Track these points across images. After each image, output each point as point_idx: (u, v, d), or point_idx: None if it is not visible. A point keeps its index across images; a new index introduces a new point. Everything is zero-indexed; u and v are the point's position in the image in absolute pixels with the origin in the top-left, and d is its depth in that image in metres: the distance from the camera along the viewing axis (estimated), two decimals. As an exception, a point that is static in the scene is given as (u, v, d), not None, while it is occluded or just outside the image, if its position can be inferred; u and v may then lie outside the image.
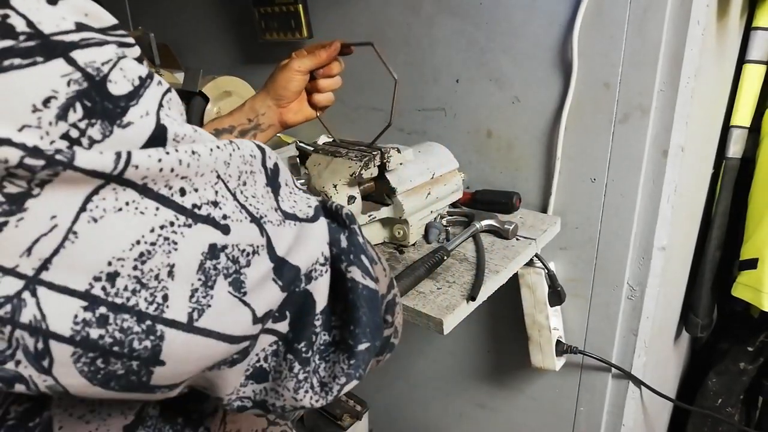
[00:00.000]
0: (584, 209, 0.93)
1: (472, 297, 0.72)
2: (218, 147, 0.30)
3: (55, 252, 0.24)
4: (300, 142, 1.24)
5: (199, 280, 0.28)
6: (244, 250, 0.30)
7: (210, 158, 0.29)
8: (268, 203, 0.33)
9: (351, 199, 0.75)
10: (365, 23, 1.11)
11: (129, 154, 0.26)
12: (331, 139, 0.88)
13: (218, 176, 0.30)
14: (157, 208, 0.27)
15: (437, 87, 1.05)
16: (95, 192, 0.25)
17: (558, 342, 1.00)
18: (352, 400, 1.30)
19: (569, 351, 1.01)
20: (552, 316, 0.98)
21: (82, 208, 0.25)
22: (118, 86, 0.26)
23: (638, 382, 1.00)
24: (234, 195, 0.31)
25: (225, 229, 0.30)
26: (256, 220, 0.31)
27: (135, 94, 0.27)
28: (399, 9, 1.04)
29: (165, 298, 0.27)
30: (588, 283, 0.97)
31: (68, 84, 0.25)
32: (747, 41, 0.96)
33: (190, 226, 0.28)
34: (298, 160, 1.23)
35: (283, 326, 0.33)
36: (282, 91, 0.79)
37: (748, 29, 0.96)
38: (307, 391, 0.34)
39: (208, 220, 0.29)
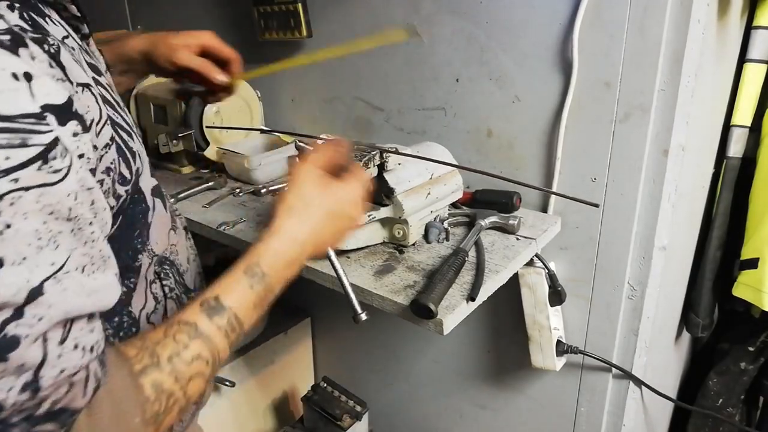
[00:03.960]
0: (584, 209, 0.92)
1: (471, 297, 0.72)
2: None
3: None
4: (299, 141, 1.24)
5: None
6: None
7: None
8: None
9: (350, 198, 0.75)
10: (365, 22, 1.10)
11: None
12: (329, 138, 0.88)
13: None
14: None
15: (437, 86, 1.04)
16: None
17: (558, 342, 1.00)
18: (352, 401, 1.29)
19: (570, 351, 1.00)
20: (552, 316, 0.97)
21: None
22: None
23: (639, 382, 1.00)
24: None
25: None
26: None
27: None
28: (399, 8, 1.04)
29: None
30: (588, 283, 0.97)
31: None
32: (747, 40, 0.96)
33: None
34: (297, 159, 1.22)
35: None
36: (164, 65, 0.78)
37: (749, 28, 0.95)
38: None
39: None
